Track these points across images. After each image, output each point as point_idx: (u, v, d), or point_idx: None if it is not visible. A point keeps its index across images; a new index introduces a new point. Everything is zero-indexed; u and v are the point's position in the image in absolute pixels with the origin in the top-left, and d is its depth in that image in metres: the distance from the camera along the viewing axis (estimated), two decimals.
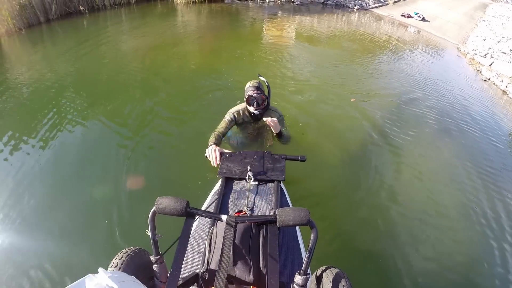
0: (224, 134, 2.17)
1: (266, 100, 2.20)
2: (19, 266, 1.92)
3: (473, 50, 7.11)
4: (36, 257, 1.97)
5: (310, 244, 0.94)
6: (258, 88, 2.14)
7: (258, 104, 2.14)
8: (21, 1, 5.79)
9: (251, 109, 2.17)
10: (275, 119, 2.14)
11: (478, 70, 6.26)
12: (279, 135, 2.23)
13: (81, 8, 6.96)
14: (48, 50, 5.09)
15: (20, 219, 2.21)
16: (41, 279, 1.85)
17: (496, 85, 5.62)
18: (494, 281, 2.08)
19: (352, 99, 3.83)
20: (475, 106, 4.56)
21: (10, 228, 2.15)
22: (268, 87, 2.25)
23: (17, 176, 2.55)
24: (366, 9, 10.05)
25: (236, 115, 2.26)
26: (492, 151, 3.46)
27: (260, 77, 2.29)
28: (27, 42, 5.54)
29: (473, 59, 6.84)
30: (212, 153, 1.78)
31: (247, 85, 2.19)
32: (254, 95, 2.13)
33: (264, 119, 2.12)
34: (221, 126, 2.19)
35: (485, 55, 6.72)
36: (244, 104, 2.24)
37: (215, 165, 1.77)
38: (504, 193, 2.82)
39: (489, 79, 5.79)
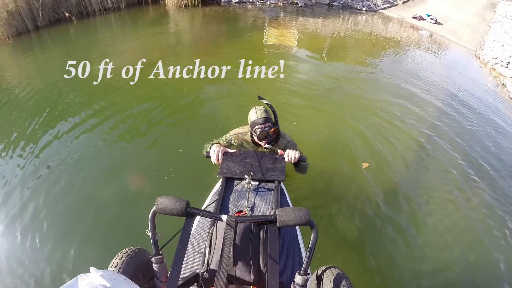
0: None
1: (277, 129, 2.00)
2: (16, 266, 2.07)
3: (493, 58, 7.07)
4: (36, 258, 2.12)
5: (310, 244, 1.02)
6: (267, 119, 1.91)
7: (271, 138, 1.97)
8: (9, 8, 6.10)
9: (262, 143, 1.99)
10: (296, 153, 1.84)
11: (503, 84, 6.06)
12: (296, 164, 1.95)
13: (68, 15, 7.24)
14: (38, 59, 5.33)
15: (19, 220, 2.38)
16: (40, 281, 1.98)
17: None
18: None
19: (365, 164, 3.17)
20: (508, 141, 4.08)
21: (8, 228, 2.32)
22: (273, 110, 2.01)
23: (19, 175, 2.78)
24: (375, 11, 10.37)
25: (235, 141, 2.13)
26: None
27: (263, 100, 1.99)
28: (16, 50, 5.81)
29: (494, 69, 6.78)
30: (215, 150, 1.81)
31: (252, 115, 1.96)
32: (266, 130, 1.91)
33: (280, 151, 1.94)
34: (220, 140, 2.14)
35: (507, 64, 6.66)
36: (246, 128, 2.09)
37: (216, 162, 1.81)
38: None
39: None
